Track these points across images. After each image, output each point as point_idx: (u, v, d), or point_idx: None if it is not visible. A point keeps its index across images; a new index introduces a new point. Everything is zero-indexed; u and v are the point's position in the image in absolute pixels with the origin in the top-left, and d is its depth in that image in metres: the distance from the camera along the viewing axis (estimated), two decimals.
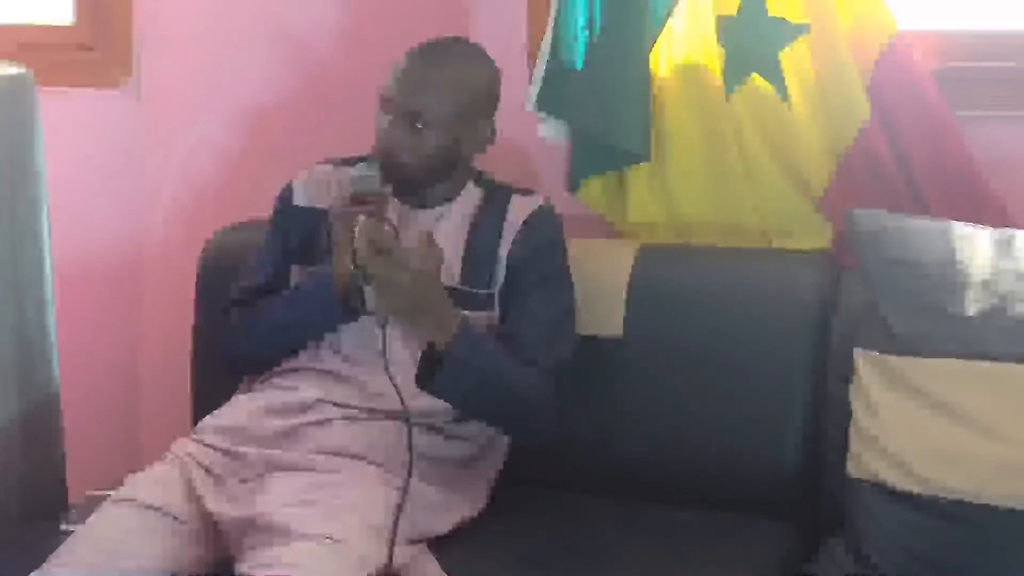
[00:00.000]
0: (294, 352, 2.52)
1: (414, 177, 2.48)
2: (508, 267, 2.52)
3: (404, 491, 2.26)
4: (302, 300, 2.49)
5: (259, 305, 2.56)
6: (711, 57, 2.70)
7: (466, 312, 2.45)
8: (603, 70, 2.72)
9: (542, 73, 2.77)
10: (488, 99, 2.54)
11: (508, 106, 2.61)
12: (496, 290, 2.52)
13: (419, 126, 2.46)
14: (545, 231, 2.55)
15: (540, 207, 2.56)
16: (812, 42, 2.65)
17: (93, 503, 2.38)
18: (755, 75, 2.68)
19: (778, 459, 2.56)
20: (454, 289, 2.48)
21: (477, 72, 2.53)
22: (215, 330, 2.64)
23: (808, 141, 2.68)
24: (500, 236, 2.53)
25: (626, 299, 2.63)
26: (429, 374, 2.36)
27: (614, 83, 2.72)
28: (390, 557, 2.19)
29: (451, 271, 2.50)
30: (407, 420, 2.31)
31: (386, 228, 2.30)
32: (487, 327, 2.49)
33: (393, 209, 2.49)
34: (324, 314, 2.46)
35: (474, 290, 2.50)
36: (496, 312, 2.52)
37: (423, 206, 2.55)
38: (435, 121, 2.46)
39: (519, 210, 2.55)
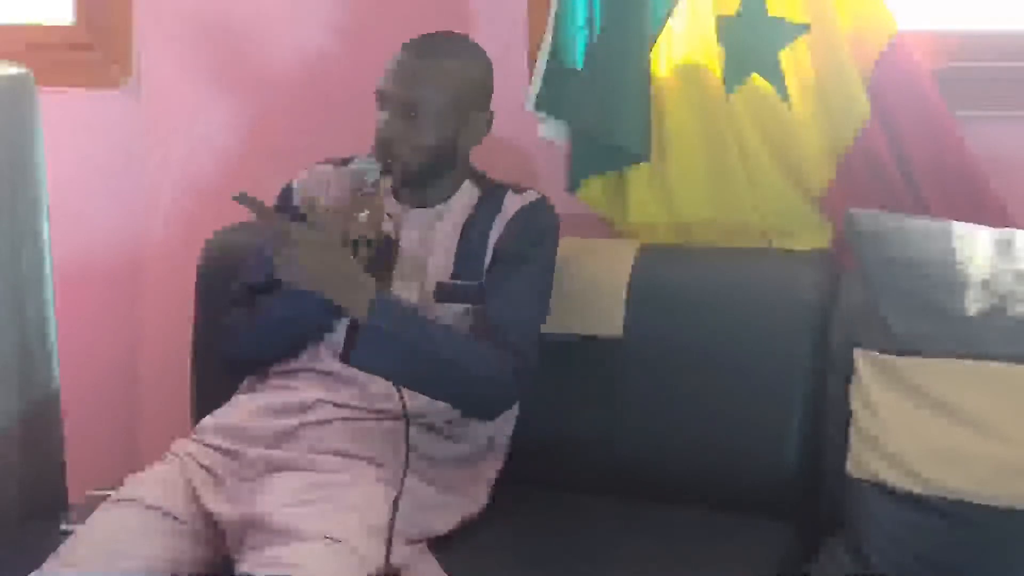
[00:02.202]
0: (294, 351, 2.52)
1: (413, 171, 2.48)
2: (494, 252, 2.51)
3: (400, 490, 2.27)
4: (299, 297, 2.48)
5: (258, 305, 2.55)
6: (711, 57, 2.70)
7: (465, 305, 2.48)
8: (603, 70, 2.72)
9: (542, 73, 2.77)
10: (483, 90, 2.55)
11: (508, 106, 2.62)
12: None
13: (415, 118, 2.46)
14: (536, 221, 2.55)
15: (534, 200, 2.56)
16: (812, 42, 2.65)
17: (93, 503, 2.38)
18: (755, 75, 2.68)
19: (778, 459, 2.55)
20: (446, 284, 2.49)
21: (470, 63, 2.54)
22: (215, 330, 2.64)
23: (808, 141, 2.68)
24: (491, 227, 2.53)
25: (626, 299, 2.63)
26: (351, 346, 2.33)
27: (614, 83, 2.72)
28: (388, 555, 2.19)
29: (445, 267, 2.51)
30: (406, 419, 2.31)
31: (385, 220, 2.31)
32: (479, 317, 2.49)
33: (392, 208, 2.50)
34: (320, 310, 2.45)
35: (465, 283, 2.50)
36: None
37: (423, 205, 2.55)
38: (431, 113, 2.46)
39: (513, 204, 2.55)
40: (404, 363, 2.35)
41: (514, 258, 2.50)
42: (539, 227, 2.55)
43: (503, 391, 2.46)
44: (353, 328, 2.32)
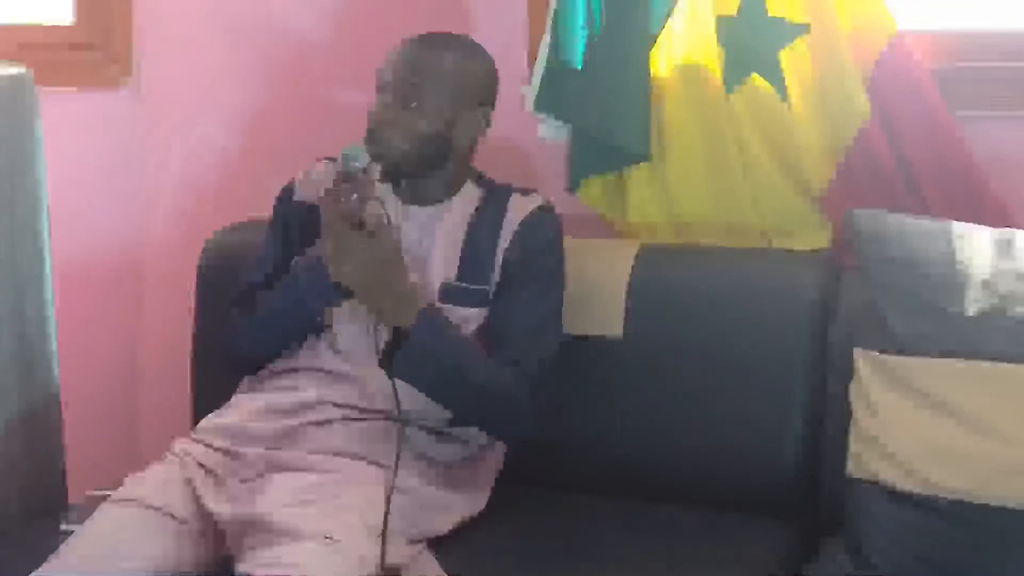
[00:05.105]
0: (292, 346, 2.52)
1: (403, 160, 2.47)
2: (504, 264, 2.52)
3: (391, 487, 2.27)
4: (296, 283, 2.47)
5: (258, 300, 2.55)
6: (711, 57, 2.70)
7: (470, 309, 2.48)
8: (603, 70, 2.72)
9: (540, 74, 2.77)
10: (482, 89, 2.54)
11: (508, 106, 2.62)
12: (491, 287, 2.51)
13: (412, 105, 2.46)
14: (543, 231, 2.55)
15: (539, 207, 2.56)
16: (812, 42, 2.66)
17: (93, 503, 2.38)
18: (755, 75, 2.68)
19: (778, 459, 2.55)
20: (451, 285, 2.48)
21: (473, 61, 2.53)
22: (215, 330, 2.64)
23: (808, 141, 2.68)
24: (498, 234, 2.53)
25: (626, 299, 2.63)
26: (392, 356, 2.34)
27: (614, 83, 2.72)
28: (383, 554, 2.19)
29: (449, 268, 2.51)
30: (401, 419, 2.31)
31: (373, 203, 2.31)
32: (481, 324, 2.50)
33: (391, 206, 2.50)
34: (317, 293, 2.43)
35: (471, 286, 2.50)
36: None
37: (420, 202, 2.55)
38: (427, 103, 2.46)
39: (518, 209, 2.55)
40: (439, 379, 2.40)
41: (527, 277, 2.50)
42: (548, 240, 2.55)
43: (523, 419, 2.49)
44: (395, 339, 2.33)
